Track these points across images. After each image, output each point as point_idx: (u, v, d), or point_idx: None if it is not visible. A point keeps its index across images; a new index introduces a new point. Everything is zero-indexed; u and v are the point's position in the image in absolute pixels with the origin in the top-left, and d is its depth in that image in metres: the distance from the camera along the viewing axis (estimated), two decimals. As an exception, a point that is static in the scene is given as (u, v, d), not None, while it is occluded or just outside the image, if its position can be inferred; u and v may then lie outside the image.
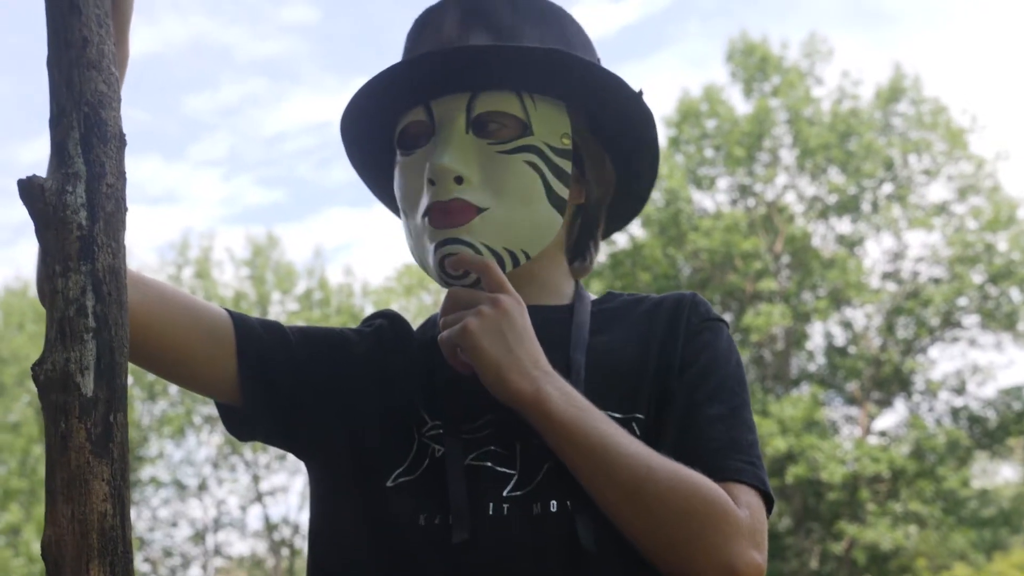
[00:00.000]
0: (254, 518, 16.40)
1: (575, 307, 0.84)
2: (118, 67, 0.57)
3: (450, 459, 0.75)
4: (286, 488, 16.20)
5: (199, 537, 16.39)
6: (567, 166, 0.81)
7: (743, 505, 0.72)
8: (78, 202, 0.49)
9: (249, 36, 28.16)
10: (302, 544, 15.09)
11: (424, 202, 0.78)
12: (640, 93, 0.83)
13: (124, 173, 0.53)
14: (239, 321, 0.80)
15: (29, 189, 0.50)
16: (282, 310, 16.27)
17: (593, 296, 0.88)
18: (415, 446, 0.78)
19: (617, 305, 0.87)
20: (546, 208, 0.80)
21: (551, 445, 0.72)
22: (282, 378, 0.81)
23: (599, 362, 0.79)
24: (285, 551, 16.30)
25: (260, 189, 29.96)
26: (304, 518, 12.28)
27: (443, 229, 0.77)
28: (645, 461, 0.71)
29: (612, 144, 0.85)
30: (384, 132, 0.84)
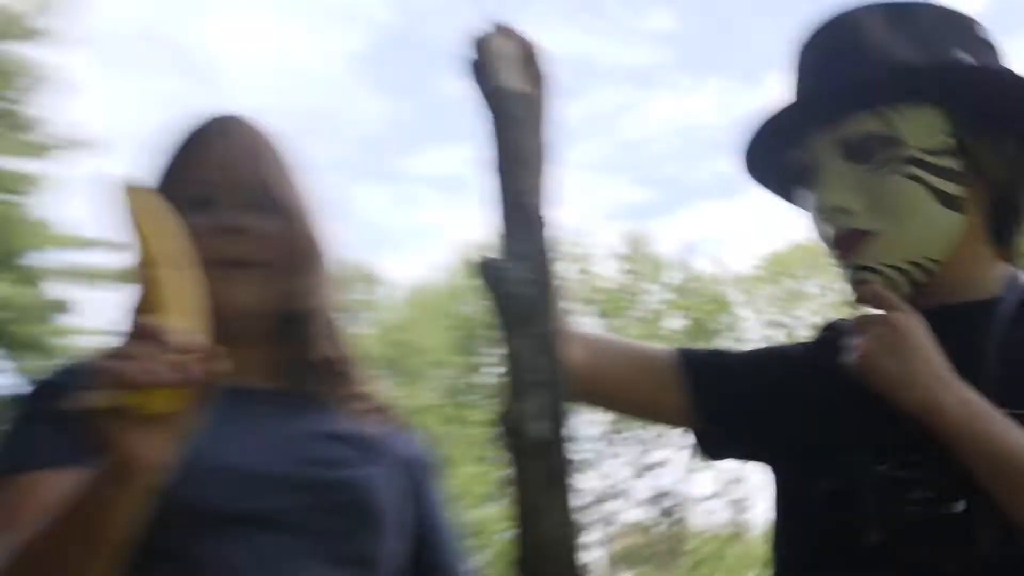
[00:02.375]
0: (642, 488, 17.89)
1: (1002, 300, 0.84)
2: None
3: (865, 463, 0.80)
4: (670, 460, 17.05)
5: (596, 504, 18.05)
6: (953, 163, 0.82)
7: None
8: (524, 278, 0.60)
9: (611, 44, 29.97)
10: (684, 513, 15.70)
11: (828, 229, 0.86)
12: (1011, 73, 0.84)
13: (551, 253, 0.65)
14: (682, 355, 0.94)
15: (485, 268, 0.61)
16: (655, 299, 17.25)
17: None
18: (839, 453, 0.84)
19: None
20: (938, 211, 0.82)
21: (956, 450, 0.75)
22: (727, 401, 0.92)
23: (1018, 356, 0.79)
24: (669, 518, 17.09)
25: (632, 188, 31.37)
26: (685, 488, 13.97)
27: (847, 259, 0.85)
28: None
29: (1009, 125, 0.84)
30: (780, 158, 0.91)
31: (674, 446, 16.15)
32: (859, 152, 0.82)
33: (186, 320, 0.63)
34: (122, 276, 0.87)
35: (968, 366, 0.77)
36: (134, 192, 0.69)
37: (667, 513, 16.88)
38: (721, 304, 15.74)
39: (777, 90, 0.91)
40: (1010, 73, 0.84)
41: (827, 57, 0.87)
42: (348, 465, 0.84)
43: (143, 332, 0.61)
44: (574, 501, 0.60)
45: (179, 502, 0.70)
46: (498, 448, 0.60)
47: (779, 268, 15.96)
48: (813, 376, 0.90)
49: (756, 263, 17.45)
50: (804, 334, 1.01)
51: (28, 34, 7.76)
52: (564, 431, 0.60)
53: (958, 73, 0.84)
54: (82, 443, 0.63)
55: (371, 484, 0.84)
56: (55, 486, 0.70)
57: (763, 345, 1.14)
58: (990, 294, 0.84)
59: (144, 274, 0.65)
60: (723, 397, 0.92)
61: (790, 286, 15.60)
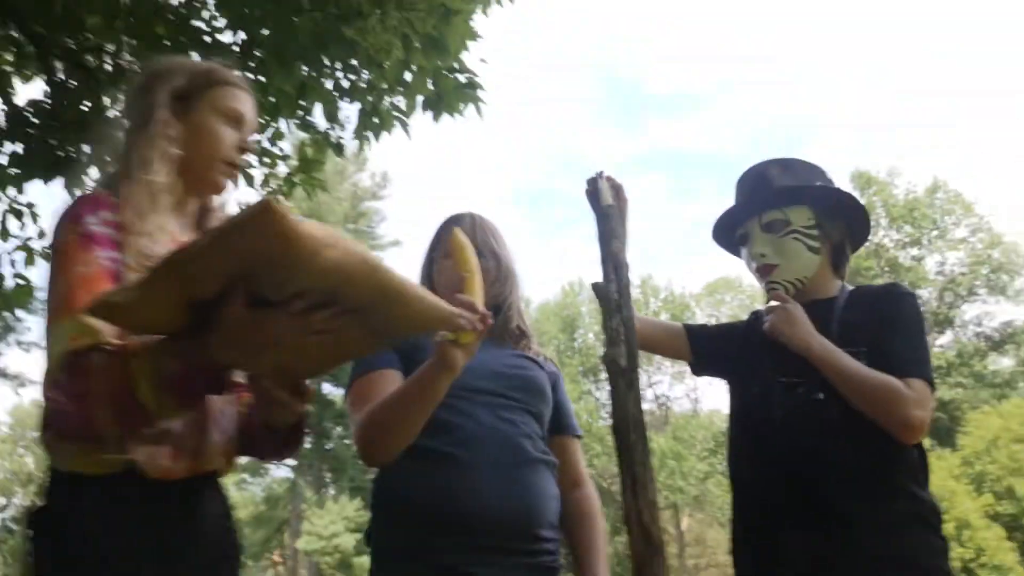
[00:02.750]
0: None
1: (837, 297, 1.68)
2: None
3: (774, 379, 1.63)
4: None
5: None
6: (815, 231, 1.69)
7: (913, 388, 1.46)
8: (613, 290, 1.23)
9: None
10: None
11: (754, 265, 1.74)
12: (842, 191, 1.74)
13: (627, 279, 1.33)
14: (685, 326, 1.84)
15: (597, 288, 1.26)
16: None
17: (850, 287, 1.69)
18: (761, 375, 1.67)
19: (862, 292, 1.68)
20: (807, 255, 1.69)
21: (819, 368, 1.54)
22: (706, 348, 1.80)
23: (846, 323, 1.61)
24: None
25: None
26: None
27: (764, 279, 1.72)
28: (859, 371, 1.49)
29: (844, 213, 1.72)
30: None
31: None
32: (770, 228, 1.69)
33: (479, 299, 1.26)
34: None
35: (823, 330, 1.56)
36: (456, 230, 1.36)
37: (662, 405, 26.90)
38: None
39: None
40: (839, 190, 1.73)
41: (752, 183, 1.76)
42: (528, 369, 1.61)
43: (468, 304, 1.22)
44: (639, 397, 1.25)
45: (456, 384, 1.34)
46: (607, 370, 1.26)
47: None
48: (749, 337, 1.72)
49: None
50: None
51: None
52: (633, 363, 1.23)
53: (816, 190, 1.70)
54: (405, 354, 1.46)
55: (539, 377, 1.61)
56: (389, 379, 1.47)
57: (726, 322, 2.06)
58: (832, 295, 1.68)
59: (463, 273, 1.29)
60: (705, 346, 1.83)
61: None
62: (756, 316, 1.80)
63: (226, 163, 1.30)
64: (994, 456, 22.82)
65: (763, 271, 1.69)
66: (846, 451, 1.51)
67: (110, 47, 3.54)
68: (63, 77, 3.58)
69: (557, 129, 51.75)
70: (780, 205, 1.68)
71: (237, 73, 1.35)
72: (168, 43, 3.29)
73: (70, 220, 1.14)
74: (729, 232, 1.80)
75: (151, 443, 1.11)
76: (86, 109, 3.57)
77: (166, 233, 1.19)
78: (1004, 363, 29.31)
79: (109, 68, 3.59)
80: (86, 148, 3.57)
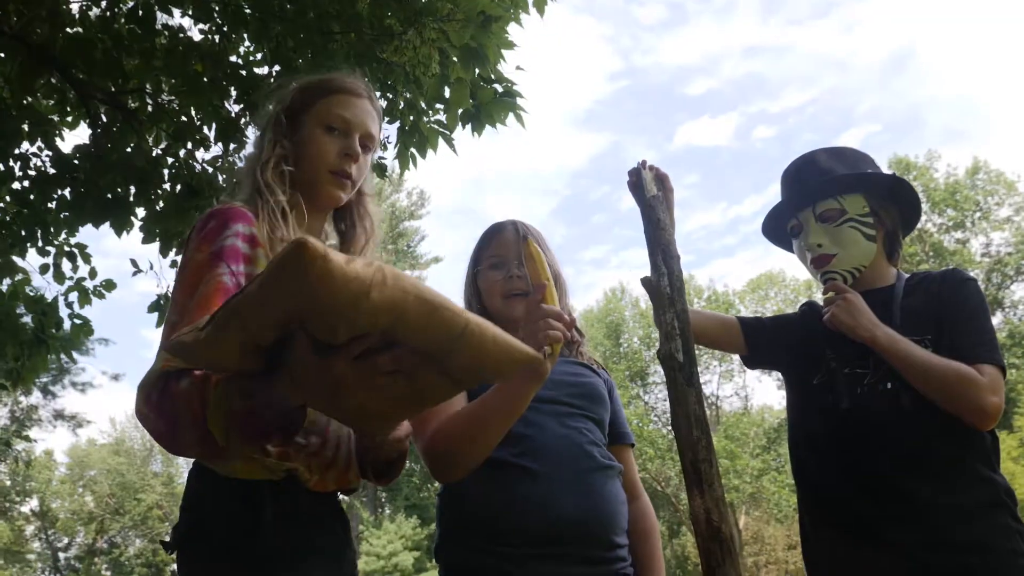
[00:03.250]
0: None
1: (895, 285, 1.67)
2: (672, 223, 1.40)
3: (838, 369, 1.61)
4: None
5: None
6: (870, 218, 1.68)
7: (985, 374, 1.44)
8: (665, 283, 1.23)
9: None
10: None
11: (809, 256, 1.73)
12: (897, 176, 1.72)
13: (679, 270, 1.30)
14: (739, 319, 1.79)
15: (646, 282, 1.25)
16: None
17: (907, 275, 1.67)
18: (823, 365, 1.66)
19: (920, 279, 1.64)
20: (865, 243, 1.68)
21: (885, 358, 1.52)
22: (761, 341, 1.76)
23: (907, 311, 1.59)
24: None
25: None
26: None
27: (820, 270, 1.71)
28: (929, 360, 1.45)
29: (897, 199, 1.71)
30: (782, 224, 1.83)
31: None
32: (825, 218, 1.68)
33: (559, 306, 1.27)
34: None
35: (885, 319, 1.53)
36: (529, 240, 1.39)
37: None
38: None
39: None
40: (893, 176, 1.70)
41: (803, 173, 1.68)
42: (586, 376, 1.61)
43: (556, 314, 1.25)
44: (700, 394, 1.24)
45: None
46: (663, 366, 1.24)
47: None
48: (805, 327, 1.70)
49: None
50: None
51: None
52: (691, 357, 1.22)
53: (870, 177, 1.68)
54: None
55: (598, 384, 1.60)
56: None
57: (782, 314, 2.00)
58: (889, 283, 1.68)
59: (543, 281, 1.30)
60: (760, 339, 1.80)
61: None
62: (810, 306, 1.78)
63: (332, 172, 1.30)
64: None
65: (819, 261, 1.68)
66: (919, 440, 1.49)
67: (149, 88, 3.65)
68: (105, 119, 3.69)
69: (588, 135, 51.74)
70: (835, 194, 1.66)
71: (353, 80, 1.34)
72: (206, 79, 3.37)
73: (207, 237, 1.15)
74: (779, 225, 1.79)
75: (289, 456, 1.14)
76: (130, 151, 3.68)
77: None
78: None
79: (150, 108, 3.70)
80: (132, 188, 3.69)
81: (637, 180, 1.51)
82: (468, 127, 3.47)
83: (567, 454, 1.47)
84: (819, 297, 1.78)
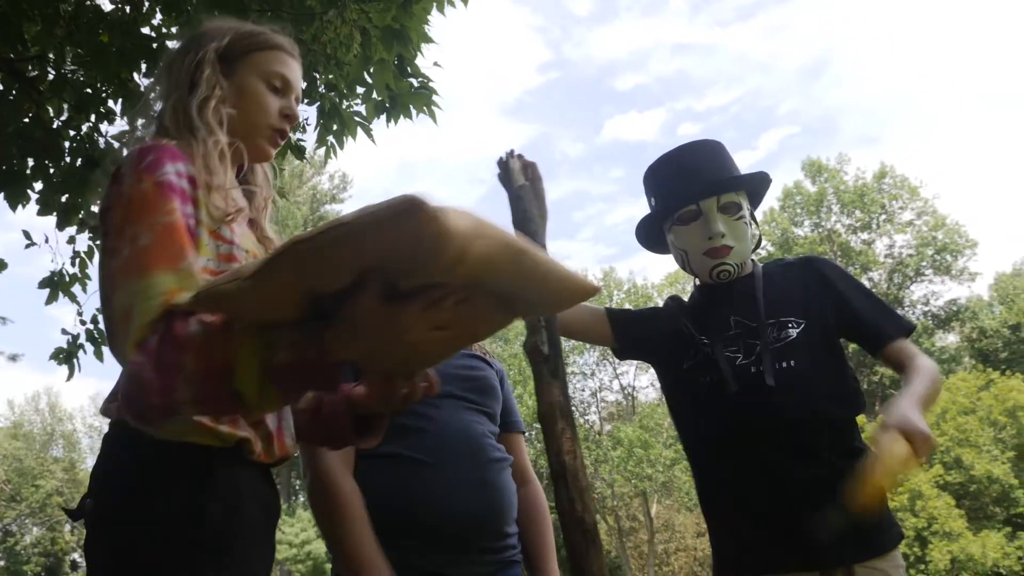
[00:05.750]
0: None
1: (754, 273, 1.74)
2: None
3: (718, 353, 1.65)
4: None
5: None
6: (750, 216, 1.74)
7: (913, 351, 1.65)
8: None
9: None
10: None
11: (706, 245, 1.69)
12: (767, 176, 1.76)
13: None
14: (607, 310, 1.80)
15: None
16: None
17: (760, 264, 1.78)
18: (695, 351, 1.70)
19: (775, 266, 1.76)
20: (751, 239, 1.73)
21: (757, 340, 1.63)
22: (630, 332, 1.79)
23: (772, 298, 1.69)
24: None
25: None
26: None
27: (717, 258, 1.69)
28: (933, 391, 1.50)
29: (758, 198, 1.79)
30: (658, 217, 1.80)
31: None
32: (728, 210, 1.69)
33: None
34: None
35: (751, 306, 1.67)
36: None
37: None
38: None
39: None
40: (767, 176, 1.74)
41: (705, 164, 1.72)
42: (481, 369, 1.66)
43: None
44: (565, 386, 1.27)
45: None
46: (529, 358, 1.30)
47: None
48: (672, 320, 1.77)
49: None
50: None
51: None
52: (557, 349, 1.29)
53: (754, 177, 1.73)
54: None
55: (491, 377, 1.65)
56: None
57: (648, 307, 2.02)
58: (749, 272, 1.73)
59: None
60: (628, 331, 1.82)
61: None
62: (674, 300, 1.84)
63: (273, 130, 1.24)
64: (943, 428, 23.64)
65: (718, 252, 1.67)
66: (802, 420, 1.53)
67: (51, 56, 3.51)
68: (1, 87, 3.54)
69: (518, 124, 51.86)
70: (736, 188, 1.70)
71: (285, 38, 1.29)
72: (114, 49, 3.27)
73: (148, 168, 1.03)
74: (661, 218, 1.76)
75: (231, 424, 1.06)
76: (27, 121, 3.54)
77: (231, 194, 1.12)
78: (950, 339, 30.99)
79: (51, 77, 3.56)
80: (30, 160, 3.55)
81: (505, 171, 1.45)
82: (384, 116, 3.53)
83: (463, 448, 1.51)
84: (690, 289, 1.84)
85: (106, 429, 1.10)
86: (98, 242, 3.35)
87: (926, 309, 30.58)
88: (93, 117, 3.58)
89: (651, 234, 1.82)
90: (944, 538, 22.18)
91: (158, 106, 1.24)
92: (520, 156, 1.47)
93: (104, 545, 1.01)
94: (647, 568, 24.66)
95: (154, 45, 3.38)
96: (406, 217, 0.72)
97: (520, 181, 1.41)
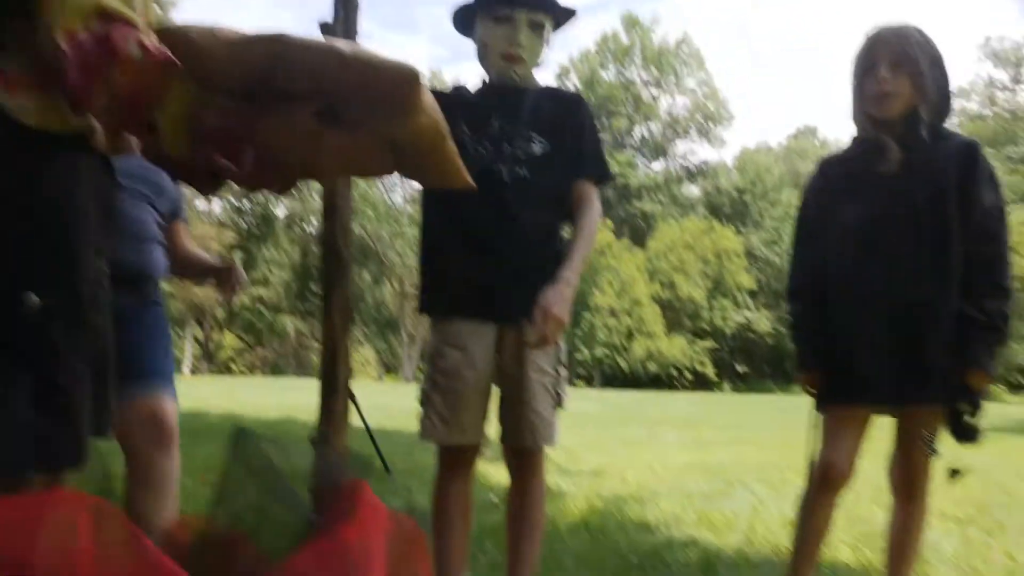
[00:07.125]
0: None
1: (528, 89, 1.84)
2: None
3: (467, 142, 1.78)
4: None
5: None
6: (546, 40, 1.84)
7: (592, 194, 1.86)
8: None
9: None
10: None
11: (503, 49, 1.80)
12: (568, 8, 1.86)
13: None
14: None
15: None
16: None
17: (543, 86, 1.91)
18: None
19: (551, 94, 1.90)
20: (540, 58, 1.83)
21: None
22: None
23: (537, 115, 1.82)
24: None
25: None
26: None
27: (511, 64, 1.80)
28: (589, 245, 1.81)
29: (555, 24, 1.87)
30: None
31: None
32: (533, 26, 1.77)
33: None
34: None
35: (513, 113, 1.80)
36: None
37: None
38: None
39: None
40: (571, 11, 1.82)
41: None
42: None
43: None
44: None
45: None
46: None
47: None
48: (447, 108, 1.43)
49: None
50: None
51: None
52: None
53: (566, 11, 1.82)
54: None
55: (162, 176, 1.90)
56: None
57: None
58: (534, 87, 1.84)
59: None
60: None
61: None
62: (460, 91, 1.88)
63: None
64: (668, 258, 33.25)
65: (513, 58, 1.79)
66: (533, 224, 1.78)
67: None
68: None
69: None
70: (549, 12, 1.80)
71: None
72: None
73: None
74: (473, 9, 1.82)
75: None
76: None
77: None
78: (693, 191, 39.73)
79: None
80: None
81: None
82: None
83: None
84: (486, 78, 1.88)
85: None
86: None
87: (683, 163, 37.93)
88: None
89: (467, 20, 1.88)
90: (646, 336, 32.01)
91: None
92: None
93: None
94: (418, 327, 29.85)
95: None
96: (403, 83, 0.87)
97: None
